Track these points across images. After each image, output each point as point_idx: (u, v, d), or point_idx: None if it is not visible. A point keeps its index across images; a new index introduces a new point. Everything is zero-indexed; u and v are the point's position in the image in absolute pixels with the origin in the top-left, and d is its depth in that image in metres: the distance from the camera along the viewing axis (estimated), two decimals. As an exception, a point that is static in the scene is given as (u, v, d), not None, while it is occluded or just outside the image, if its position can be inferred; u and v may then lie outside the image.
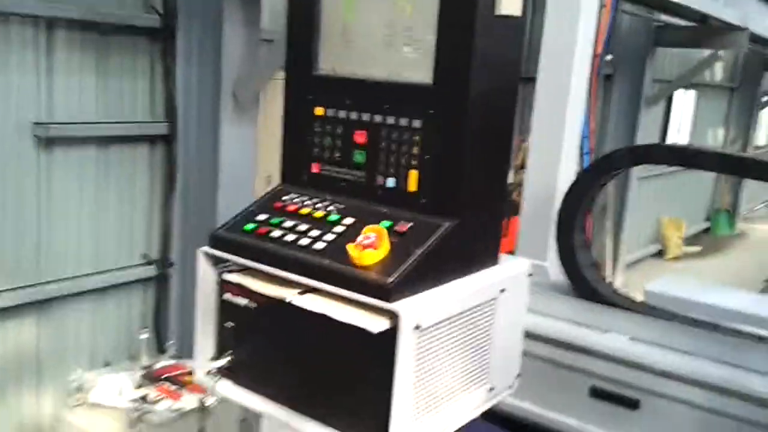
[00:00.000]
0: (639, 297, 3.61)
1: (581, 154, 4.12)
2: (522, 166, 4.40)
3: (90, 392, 4.79)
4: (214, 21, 5.06)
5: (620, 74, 9.53)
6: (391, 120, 1.91)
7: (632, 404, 2.70)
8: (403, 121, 1.89)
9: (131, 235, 5.22)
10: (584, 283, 3.13)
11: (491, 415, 3.11)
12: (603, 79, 9.29)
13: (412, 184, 1.92)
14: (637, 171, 9.88)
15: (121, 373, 4.99)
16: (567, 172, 3.46)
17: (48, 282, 4.75)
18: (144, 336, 5.20)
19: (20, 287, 4.60)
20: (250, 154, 5.43)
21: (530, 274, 2.18)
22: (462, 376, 1.99)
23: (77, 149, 4.76)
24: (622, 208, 9.86)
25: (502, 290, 2.05)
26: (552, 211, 3.42)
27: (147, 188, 5.26)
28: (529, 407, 2.88)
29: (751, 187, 15.53)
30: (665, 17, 8.90)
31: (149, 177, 5.26)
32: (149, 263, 5.30)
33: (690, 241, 13.03)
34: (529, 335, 2.87)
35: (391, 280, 1.75)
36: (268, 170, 5.45)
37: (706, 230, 14.48)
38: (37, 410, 4.85)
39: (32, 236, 4.62)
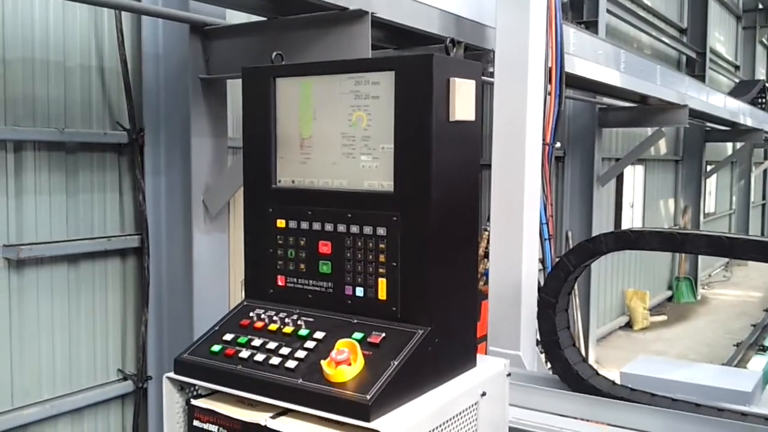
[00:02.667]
0: (616, 372, 3.49)
1: (542, 240, 4.05)
2: (485, 255, 4.32)
3: None
4: (181, 132, 5.00)
5: (571, 156, 9.65)
6: (355, 229, 1.81)
7: (623, 495, 2.54)
8: (367, 230, 1.79)
9: (106, 351, 4.99)
10: (567, 365, 3.00)
11: None
12: (554, 161, 9.41)
13: (382, 293, 1.81)
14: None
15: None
16: (529, 259, 3.38)
17: (23, 407, 4.49)
18: (126, 454, 4.91)
19: (-5, 414, 4.33)
20: (224, 261, 5.29)
21: (509, 374, 2.05)
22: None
23: (48, 268, 4.59)
24: (587, 283, 9.81)
25: (483, 393, 1.92)
26: (520, 299, 3.32)
27: (120, 302, 5.07)
28: (519, 508, 2.69)
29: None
30: (607, 100, 9.10)
31: (121, 291, 5.07)
32: (125, 378, 5.05)
33: (655, 310, 12.98)
34: (515, 431, 2.73)
35: (369, 396, 1.61)
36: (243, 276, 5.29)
37: (669, 299, 14.47)
38: None
39: (5, 360, 4.38)
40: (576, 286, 9.60)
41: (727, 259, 18.65)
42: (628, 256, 12.11)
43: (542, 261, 4.17)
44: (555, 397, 2.95)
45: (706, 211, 16.18)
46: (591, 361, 9.47)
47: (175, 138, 5.09)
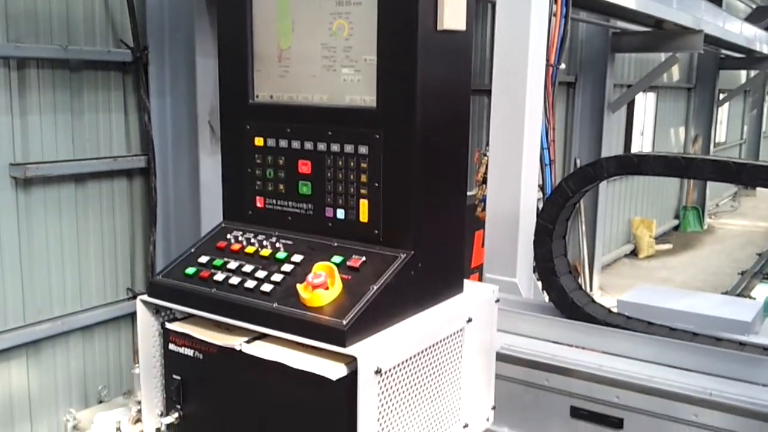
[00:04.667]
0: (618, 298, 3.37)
1: (542, 166, 3.87)
2: (484, 181, 4.15)
3: (87, 431, 4.48)
4: (185, 52, 4.81)
5: (582, 82, 9.33)
6: (335, 147, 1.66)
7: (615, 424, 2.44)
8: (348, 148, 1.64)
9: (115, 270, 4.94)
10: (562, 292, 2.87)
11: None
12: (565, 87, 9.11)
13: (363, 215, 1.67)
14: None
15: (117, 409, 4.68)
16: (528, 185, 3.21)
17: (35, 323, 4.46)
18: (137, 371, 4.90)
19: (7, 330, 4.31)
20: (229, 182, 5.17)
21: (497, 300, 1.93)
22: (432, 417, 1.73)
23: (55, 187, 4.49)
24: (594, 211, 9.64)
25: (469, 320, 1.80)
26: (518, 226, 3.17)
27: (128, 223, 4.98)
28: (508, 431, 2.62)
29: (715, 183, 15.38)
30: (621, 24, 8.72)
31: (129, 211, 4.98)
32: (134, 297, 5.01)
33: (661, 239, 12.81)
34: (505, 357, 2.64)
35: (345, 322, 1.49)
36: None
37: (676, 227, 14.29)
38: (33, 451, 4.55)
39: (15, 278, 4.33)
40: (582, 214, 9.46)
41: (735, 189, 18.37)
42: (635, 184, 11.89)
43: (542, 187, 4.00)
44: (549, 325, 2.84)
45: (716, 141, 15.82)
46: (594, 288, 9.39)
47: (179, 58, 4.91)
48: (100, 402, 4.88)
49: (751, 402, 2.26)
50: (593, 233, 9.60)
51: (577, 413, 2.52)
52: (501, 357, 2.64)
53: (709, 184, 14.75)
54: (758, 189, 19.59)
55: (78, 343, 4.76)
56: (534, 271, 3.26)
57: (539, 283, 3.20)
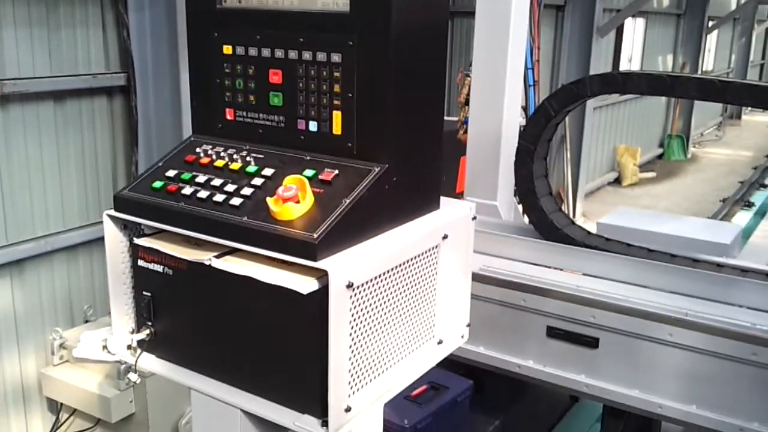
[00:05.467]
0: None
1: (525, 87, 3.77)
2: (466, 102, 4.05)
3: (73, 349, 4.49)
4: (163, -38, 4.61)
5: (571, 5, 9.10)
6: (307, 55, 1.56)
7: (591, 343, 2.44)
8: (321, 56, 1.55)
9: (97, 191, 4.85)
10: (541, 214, 2.83)
11: (445, 360, 2.87)
12: (554, 11, 8.89)
13: (337, 127, 1.59)
14: (592, 101, 9.57)
15: (103, 328, 4.68)
16: (511, 106, 3.13)
17: (18, 243, 4.40)
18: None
19: (-9, 250, 4.25)
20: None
21: (474, 217, 1.87)
22: (406, 332, 1.70)
23: (33, 105, 4.35)
24: (579, 138, 9.56)
25: (445, 236, 1.75)
26: (499, 148, 3.10)
27: (109, 142, 4.86)
28: (484, 351, 2.61)
29: (700, 112, 15.28)
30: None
31: (110, 130, 4.86)
32: (117, 217, 4.95)
33: (645, 167, 12.79)
34: (483, 278, 2.61)
35: (316, 235, 1.43)
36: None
37: (660, 156, 14.24)
38: (20, 370, 4.55)
39: (-4, 197, 4.25)
40: (568, 141, 9.38)
41: (719, 119, 18.28)
42: (621, 113, 11.78)
43: (525, 108, 3.91)
44: (528, 246, 2.81)
45: (704, 69, 15.62)
46: (578, 215, 9.40)
47: (156, -32, 4.71)
48: (86, 322, 4.87)
49: (726, 322, 2.26)
50: (578, 161, 9.55)
51: (553, 333, 2.51)
52: (479, 278, 2.62)
53: (695, 112, 14.66)
54: (743, 119, 19.51)
55: (62, 263, 4.72)
56: (515, 194, 3.22)
57: (520, 207, 3.16)
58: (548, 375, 2.50)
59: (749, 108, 19.23)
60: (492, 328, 2.63)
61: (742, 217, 6.33)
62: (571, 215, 8.39)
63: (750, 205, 7.28)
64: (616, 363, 2.39)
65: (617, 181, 11.81)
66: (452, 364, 2.77)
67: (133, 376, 1.68)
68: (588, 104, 9.31)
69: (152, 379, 4.09)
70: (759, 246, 5.06)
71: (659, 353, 2.32)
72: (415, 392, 2.50)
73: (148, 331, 1.66)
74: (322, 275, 1.42)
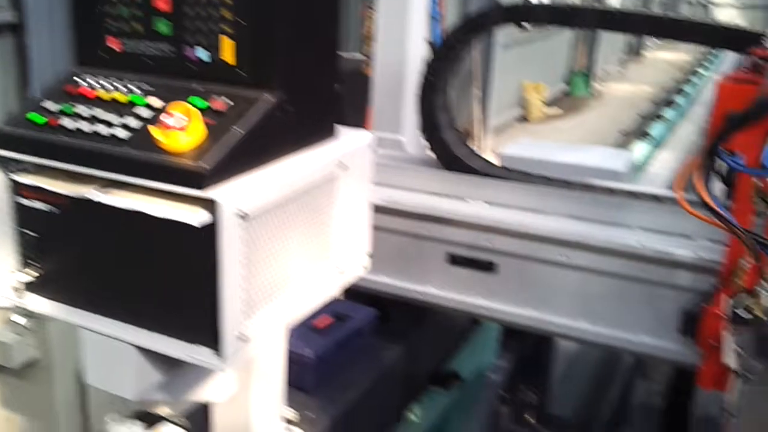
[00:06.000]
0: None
1: (430, 20, 3.76)
2: (371, 37, 4.01)
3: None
4: None
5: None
6: (194, -22, 1.51)
7: (489, 267, 2.53)
8: (210, -21, 1.50)
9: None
10: (444, 146, 2.87)
11: (350, 292, 2.92)
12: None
13: (228, 55, 1.55)
14: (500, 39, 9.66)
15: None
16: (415, 40, 3.13)
17: None
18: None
19: None
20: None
21: (373, 147, 1.88)
22: (305, 262, 1.71)
23: None
24: (487, 75, 9.67)
25: (343, 166, 1.75)
26: (404, 81, 3.11)
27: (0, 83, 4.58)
28: (388, 281, 2.67)
29: (603, 49, 15.67)
30: None
31: (2, 71, 4.57)
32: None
33: (551, 103, 13.10)
34: (386, 210, 2.65)
35: (205, 164, 1.41)
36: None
37: (566, 93, 14.60)
38: None
39: None
40: (475, 78, 9.47)
41: (622, 55, 18.80)
42: (529, 50, 11.95)
43: (430, 42, 3.91)
44: (431, 178, 2.86)
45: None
46: (487, 150, 9.58)
47: None
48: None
49: (616, 243, 2.38)
50: (486, 97, 9.68)
51: (453, 260, 2.58)
52: (383, 210, 2.66)
53: (599, 49, 15.02)
54: (644, 54, 20.15)
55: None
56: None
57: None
58: (449, 300, 2.59)
59: (650, 44, 19.87)
60: (396, 258, 2.68)
61: (639, 147, 6.60)
62: (479, 151, 8.52)
63: (647, 136, 7.60)
64: (513, 286, 2.49)
65: (525, 118, 12.06)
66: (357, 294, 2.82)
67: (20, 319, 1.63)
68: (497, 43, 9.39)
69: (56, 322, 3.98)
70: (655, 174, 5.30)
71: (554, 275, 2.43)
72: (319, 323, 2.53)
73: (33, 272, 1.61)
74: (213, 206, 1.41)
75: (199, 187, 1.40)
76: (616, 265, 2.35)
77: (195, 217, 1.41)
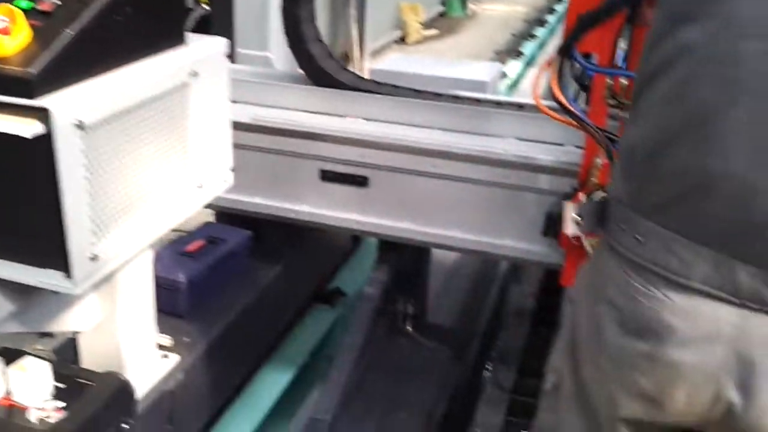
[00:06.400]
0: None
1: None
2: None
3: None
4: None
5: None
6: None
7: (362, 182, 2.51)
8: None
9: None
10: (311, 60, 2.78)
11: (223, 215, 2.85)
12: None
13: (52, -50, 1.40)
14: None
15: None
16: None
17: None
18: None
19: None
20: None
21: (229, 55, 1.79)
22: (162, 177, 1.63)
23: None
24: (363, -4, 9.50)
25: (194, 74, 1.66)
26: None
27: None
28: (261, 201, 2.60)
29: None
30: None
31: None
32: None
33: (428, 24, 13.07)
34: (255, 128, 2.56)
35: (34, 70, 1.29)
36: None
37: (442, 14, 14.60)
38: None
39: None
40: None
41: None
42: (405, -30, 11.81)
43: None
44: (300, 94, 2.78)
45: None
46: (365, 72, 9.49)
47: None
48: None
49: (483, 150, 2.41)
50: (362, 19, 9.53)
51: (326, 176, 2.54)
52: (251, 128, 2.57)
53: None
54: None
55: None
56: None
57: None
58: (324, 217, 2.56)
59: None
60: (268, 178, 2.61)
61: (512, 66, 6.72)
62: (358, 73, 8.43)
63: (520, 54, 7.74)
64: (386, 199, 2.49)
65: (402, 40, 12.00)
66: (231, 217, 2.76)
67: None
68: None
69: None
70: (525, 91, 5.42)
71: (425, 186, 2.44)
72: (191, 247, 2.46)
73: None
74: (46, 115, 1.30)
75: (29, 95, 1.28)
76: (483, 173, 2.38)
77: (26, 128, 1.30)
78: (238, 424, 2.65)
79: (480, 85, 2.95)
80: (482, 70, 3.09)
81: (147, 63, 1.54)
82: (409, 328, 2.90)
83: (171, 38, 1.63)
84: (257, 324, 2.72)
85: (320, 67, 2.79)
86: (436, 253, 3.25)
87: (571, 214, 1.49)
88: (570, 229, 1.49)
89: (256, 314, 2.65)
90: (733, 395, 1.27)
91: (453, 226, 2.47)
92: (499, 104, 2.73)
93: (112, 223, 1.49)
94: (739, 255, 1.22)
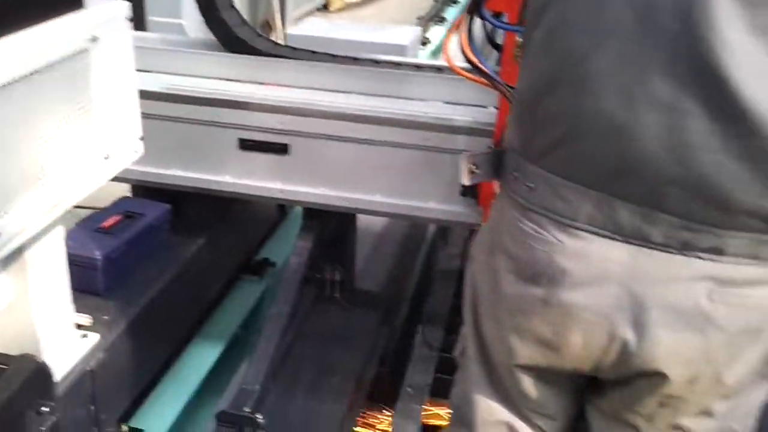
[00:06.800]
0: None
1: None
2: None
3: None
4: None
5: None
6: None
7: (282, 149, 2.47)
8: None
9: None
10: (225, 27, 2.72)
11: (142, 189, 2.77)
12: None
13: None
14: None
15: None
16: None
17: None
18: None
19: None
20: None
21: (131, 19, 1.72)
22: (61, 148, 1.56)
23: None
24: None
25: (93, 39, 1.59)
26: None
27: None
28: (180, 173, 2.54)
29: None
30: None
31: None
32: None
33: (352, -8, 12.94)
34: (170, 97, 2.50)
35: None
36: None
37: (366, -19, 14.48)
38: None
39: None
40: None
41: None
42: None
43: None
44: (215, 62, 2.72)
45: None
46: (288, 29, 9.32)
47: None
48: None
49: (402, 113, 2.41)
50: (284, -13, 9.35)
51: (245, 145, 2.50)
52: (166, 97, 2.50)
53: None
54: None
55: None
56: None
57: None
58: (244, 187, 2.52)
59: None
60: (185, 149, 2.55)
61: (436, 32, 6.71)
62: (277, 40, 8.31)
63: (442, 20, 7.74)
64: (307, 165, 2.47)
65: (325, 7, 11.85)
66: (149, 191, 2.68)
67: None
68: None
69: None
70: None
71: (346, 151, 2.43)
72: (106, 223, 2.38)
73: None
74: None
75: None
76: (403, 136, 2.38)
77: None
78: (166, 402, 2.61)
79: (399, 49, 2.95)
80: (401, 34, 3.09)
81: (43, 28, 1.47)
82: (337, 295, 2.90)
83: (68, 1, 1.56)
84: (181, 299, 2.67)
85: (234, 34, 2.73)
86: (364, 219, 3.25)
87: (466, 164, 1.50)
88: (465, 179, 1.51)
89: (179, 289, 2.59)
90: (627, 333, 1.31)
91: (375, 191, 2.47)
92: (418, 67, 2.74)
93: (13, 198, 1.43)
94: (618, 194, 1.26)
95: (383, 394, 2.72)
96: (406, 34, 3.15)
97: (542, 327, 1.39)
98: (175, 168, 2.56)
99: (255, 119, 2.48)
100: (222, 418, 2.18)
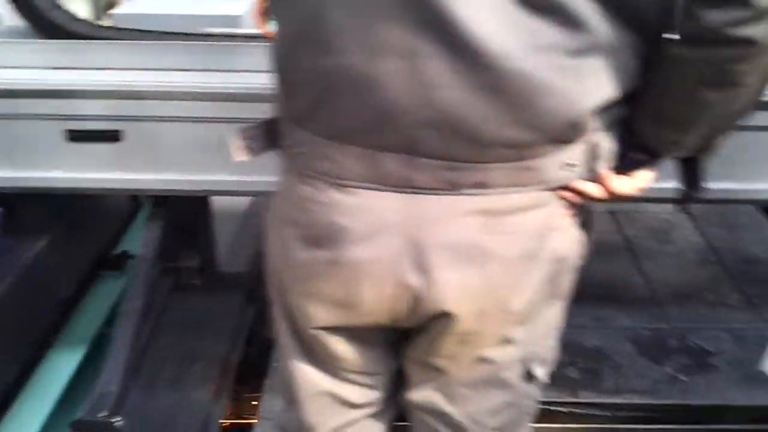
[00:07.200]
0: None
1: None
2: None
3: None
4: None
5: None
6: None
7: (113, 137, 2.34)
8: None
9: None
10: (36, 12, 2.52)
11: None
12: None
13: None
14: None
15: None
16: None
17: None
18: None
19: None
20: None
21: None
22: None
23: None
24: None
25: None
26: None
27: None
28: (4, 174, 2.37)
29: None
30: None
31: None
32: None
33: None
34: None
35: None
36: None
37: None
38: None
39: None
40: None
41: None
42: None
43: None
44: (32, 49, 2.52)
45: None
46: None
47: None
48: None
49: (238, 87, 2.34)
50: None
51: (74, 136, 2.36)
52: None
53: None
54: None
55: None
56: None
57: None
58: (77, 181, 2.38)
59: None
60: (7, 147, 2.37)
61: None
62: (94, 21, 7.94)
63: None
64: (142, 151, 2.35)
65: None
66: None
67: None
68: None
69: None
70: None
71: (181, 131, 2.33)
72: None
73: None
74: None
75: None
76: (240, 111, 2.30)
77: None
78: (26, 415, 2.48)
79: (232, 20, 2.85)
80: (234, 5, 2.97)
81: None
82: (196, 282, 2.81)
83: None
84: (28, 306, 2.52)
85: (48, 19, 2.55)
86: (225, 201, 3.17)
87: (235, 140, 1.48)
88: (238, 156, 1.48)
89: (23, 294, 2.45)
90: (413, 279, 1.34)
91: (220, 170, 2.40)
92: (253, 38, 2.64)
93: None
94: (379, 146, 1.29)
95: (255, 375, 2.68)
96: (240, 4, 3.03)
97: (335, 288, 1.39)
98: (5, 169, 2.39)
99: (81, 108, 2.34)
100: (76, 427, 2.08)
